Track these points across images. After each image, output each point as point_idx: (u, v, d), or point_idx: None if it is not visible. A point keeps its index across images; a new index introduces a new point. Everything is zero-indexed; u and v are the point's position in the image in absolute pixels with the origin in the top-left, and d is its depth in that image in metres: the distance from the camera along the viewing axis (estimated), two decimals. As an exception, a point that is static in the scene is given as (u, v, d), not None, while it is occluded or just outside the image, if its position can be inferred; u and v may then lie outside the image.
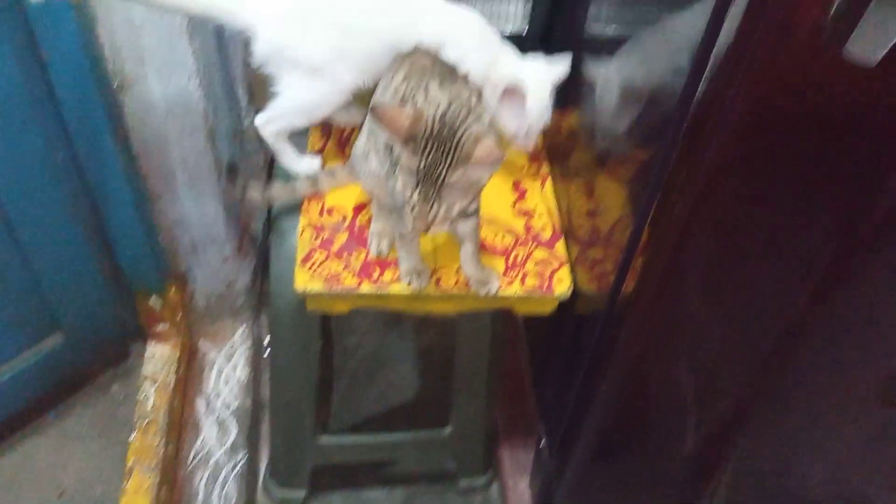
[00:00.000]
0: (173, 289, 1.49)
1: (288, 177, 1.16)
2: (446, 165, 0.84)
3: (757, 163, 0.76)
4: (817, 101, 0.70)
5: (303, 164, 1.16)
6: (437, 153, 0.83)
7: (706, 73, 0.71)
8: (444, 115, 0.85)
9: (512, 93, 1.05)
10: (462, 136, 0.84)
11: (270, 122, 1.11)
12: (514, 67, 1.07)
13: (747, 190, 0.80)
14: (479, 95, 0.98)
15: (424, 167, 0.84)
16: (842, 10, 0.60)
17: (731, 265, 0.90)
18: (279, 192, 1.15)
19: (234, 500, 1.43)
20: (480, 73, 1.01)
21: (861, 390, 1.12)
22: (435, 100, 0.89)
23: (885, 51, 0.61)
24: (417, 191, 0.85)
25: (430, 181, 0.84)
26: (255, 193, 1.15)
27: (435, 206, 0.86)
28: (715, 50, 0.69)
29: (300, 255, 1.09)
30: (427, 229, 0.89)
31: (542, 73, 1.08)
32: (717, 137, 0.74)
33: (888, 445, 1.23)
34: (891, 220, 0.82)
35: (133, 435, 1.39)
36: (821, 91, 0.68)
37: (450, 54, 1.01)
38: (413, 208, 0.86)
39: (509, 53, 1.09)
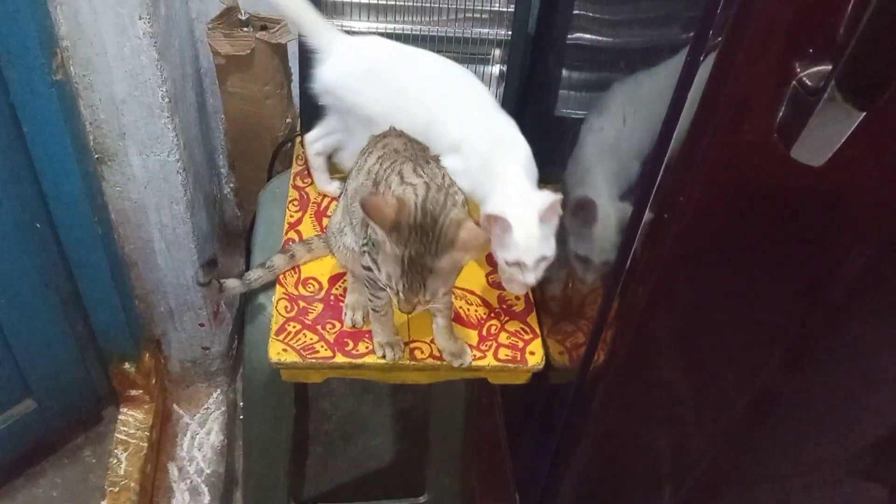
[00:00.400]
0: (147, 354, 1.49)
1: (264, 262, 1.17)
2: (431, 253, 0.85)
3: (719, 241, 0.79)
4: (770, 189, 0.73)
5: (332, 186, 1.27)
6: (421, 242, 0.85)
7: (665, 161, 0.75)
8: (424, 202, 0.87)
9: (498, 222, 1.01)
10: (444, 222, 0.86)
11: (317, 141, 1.23)
12: (502, 197, 1.03)
13: (711, 266, 0.83)
14: (450, 179, 0.99)
15: (409, 257, 0.85)
16: (787, 118, 0.64)
17: (699, 336, 0.92)
18: (259, 276, 1.16)
19: (205, 569, 1.42)
20: (468, 192, 1.03)
21: (833, 460, 1.13)
22: (411, 186, 0.90)
23: (831, 153, 0.64)
24: (404, 279, 0.86)
25: (416, 270, 0.86)
26: (233, 284, 1.15)
27: (421, 294, 0.87)
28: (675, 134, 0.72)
29: (274, 327, 1.10)
30: (411, 312, 0.90)
31: (529, 203, 1.02)
32: (677, 219, 0.77)
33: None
34: (850, 293, 0.85)
35: (103, 502, 1.38)
36: (773, 181, 0.72)
37: (453, 162, 1.06)
38: (399, 295, 0.88)
39: (509, 185, 1.05)
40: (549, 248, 1.01)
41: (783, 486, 1.17)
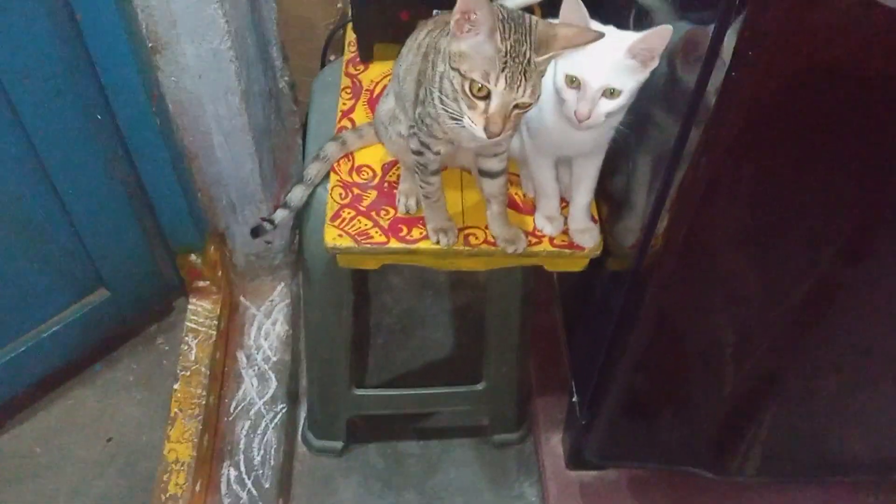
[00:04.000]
0: (212, 247, 1.53)
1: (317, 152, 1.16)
2: (528, 44, 0.81)
3: (782, 123, 0.74)
4: (853, 49, 0.67)
5: None
6: (518, 32, 0.81)
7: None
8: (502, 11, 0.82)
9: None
10: (531, 23, 0.82)
11: None
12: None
13: (773, 147, 0.79)
14: None
15: (508, 48, 0.80)
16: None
17: (756, 225, 0.89)
18: (318, 170, 1.15)
19: (273, 449, 1.48)
20: None
21: (892, 351, 1.09)
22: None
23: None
24: (505, 74, 0.81)
25: (516, 61, 0.80)
26: (297, 192, 1.15)
27: (521, 90, 0.82)
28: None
29: (329, 213, 1.10)
30: (499, 134, 0.84)
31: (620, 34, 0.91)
32: (744, 81, 0.72)
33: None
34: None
35: (176, 385, 1.45)
36: (856, 39, 0.66)
37: None
38: (494, 99, 0.82)
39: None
40: (622, 83, 0.88)
41: (848, 379, 1.14)
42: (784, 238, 0.90)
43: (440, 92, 0.87)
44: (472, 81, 0.82)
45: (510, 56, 0.80)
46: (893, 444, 1.29)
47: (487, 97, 0.82)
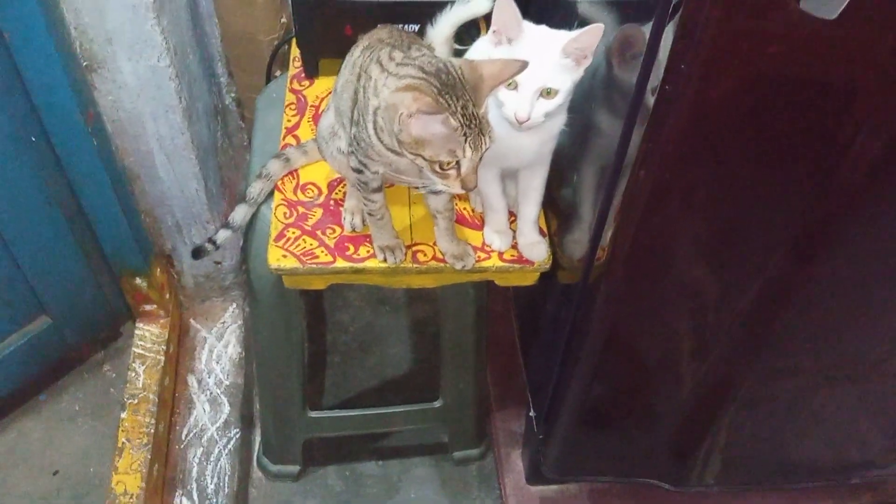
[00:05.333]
0: (158, 269, 1.49)
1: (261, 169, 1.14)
2: (472, 102, 0.81)
3: (723, 119, 0.74)
4: (781, 54, 0.67)
5: None
6: (459, 97, 0.80)
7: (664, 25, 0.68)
8: (424, 70, 0.82)
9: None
10: (455, 72, 0.82)
11: None
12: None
13: (714, 149, 0.78)
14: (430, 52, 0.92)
15: (461, 118, 0.80)
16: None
17: (703, 230, 0.88)
18: (260, 189, 1.13)
19: (227, 476, 1.44)
20: None
21: (855, 356, 1.10)
22: (402, 66, 0.85)
23: (845, 3, 0.58)
24: (467, 144, 0.81)
25: (472, 125, 0.81)
26: (239, 211, 1.13)
27: (484, 145, 0.83)
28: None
29: (273, 233, 1.07)
30: (474, 187, 0.85)
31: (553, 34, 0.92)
32: (680, 91, 0.71)
33: (883, 408, 1.22)
34: (860, 181, 0.79)
35: (124, 413, 1.40)
36: (784, 45, 0.65)
37: None
38: (464, 163, 0.83)
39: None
40: (558, 83, 0.88)
41: (805, 382, 1.14)
42: (731, 242, 0.90)
43: (374, 126, 0.87)
44: (440, 162, 0.83)
45: (465, 125, 0.81)
46: (852, 447, 1.30)
47: (457, 165, 0.83)
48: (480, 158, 0.84)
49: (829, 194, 0.81)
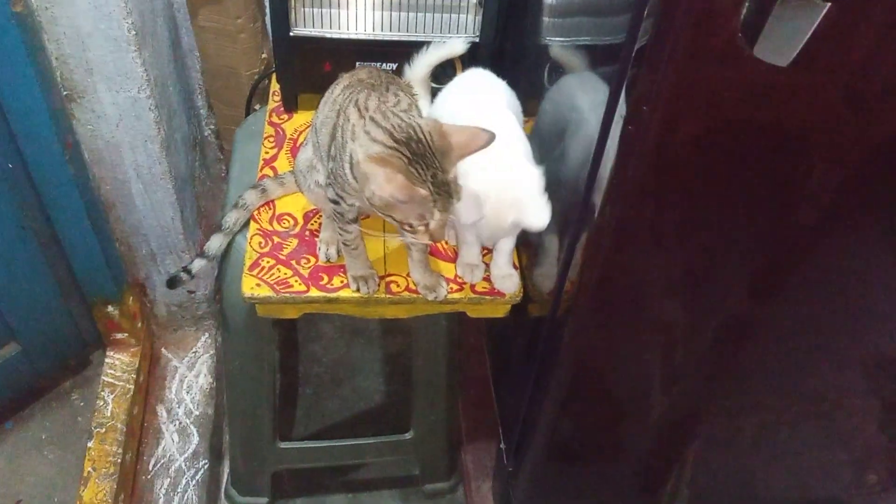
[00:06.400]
0: (131, 298, 1.49)
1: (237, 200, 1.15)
2: (440, 169, 0.83)
3: (684, 159, 0.77)
4: (738, 96, 0.70)
5: None
6: (428, 167, 0.83)
7: (627, 75, 0.72)
8: (394, 136, 0.84)
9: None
10: (425, 138, 0.84)
11: None
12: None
13: (676, 189, 0.81)
14: (408, 93, 0.96)
15: (431, 186, 0.83)
16: (750, 13, 0.61)
17: (665, 267, 0.91)
18: (236, 218, 1.14)
19: (195, 508, 1.43)
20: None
21: (819, 392, 1.12)
22: (385, 123, 0.87)
23: (797, 50, 0.61)
24: (436, 208, 0.84)
25: (441, 191, 0.84)
26: (215, 240, 1.14)
27: (451, 204, 0.85)
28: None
29: (248, 262, 1.09)
30: (444, 238, 0.89)
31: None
32: (643, 133, 0.74)
33: (848, 443, 1.24)
34: (816, 220, 0.83)
35: (90, 442, 1.39)
36: (739, 88, 0.69)
37: None
38: (433, 221, 0.86)
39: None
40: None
41: (769, 418, 1.16)
42: (695, 279, 0.93)
43: (351, 167, 0.89)
44: (410, 224, 0.86)
45: (435, 192, 0.83)
46: (818, 481, 1.32)
47: (426, 223, 0.86)
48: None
49: (787, 233, 0.84)
